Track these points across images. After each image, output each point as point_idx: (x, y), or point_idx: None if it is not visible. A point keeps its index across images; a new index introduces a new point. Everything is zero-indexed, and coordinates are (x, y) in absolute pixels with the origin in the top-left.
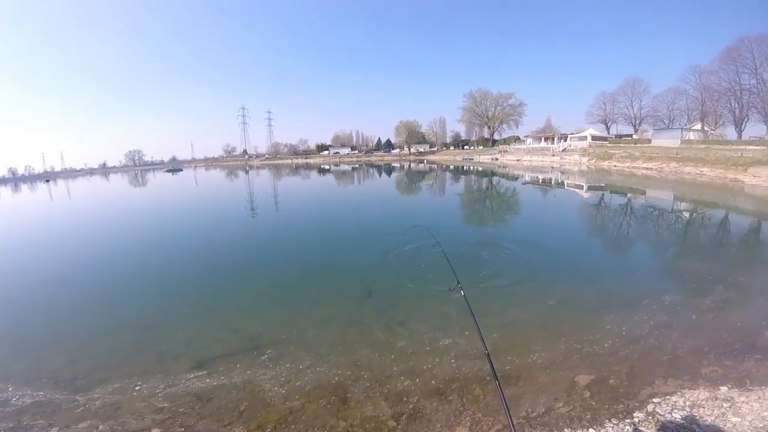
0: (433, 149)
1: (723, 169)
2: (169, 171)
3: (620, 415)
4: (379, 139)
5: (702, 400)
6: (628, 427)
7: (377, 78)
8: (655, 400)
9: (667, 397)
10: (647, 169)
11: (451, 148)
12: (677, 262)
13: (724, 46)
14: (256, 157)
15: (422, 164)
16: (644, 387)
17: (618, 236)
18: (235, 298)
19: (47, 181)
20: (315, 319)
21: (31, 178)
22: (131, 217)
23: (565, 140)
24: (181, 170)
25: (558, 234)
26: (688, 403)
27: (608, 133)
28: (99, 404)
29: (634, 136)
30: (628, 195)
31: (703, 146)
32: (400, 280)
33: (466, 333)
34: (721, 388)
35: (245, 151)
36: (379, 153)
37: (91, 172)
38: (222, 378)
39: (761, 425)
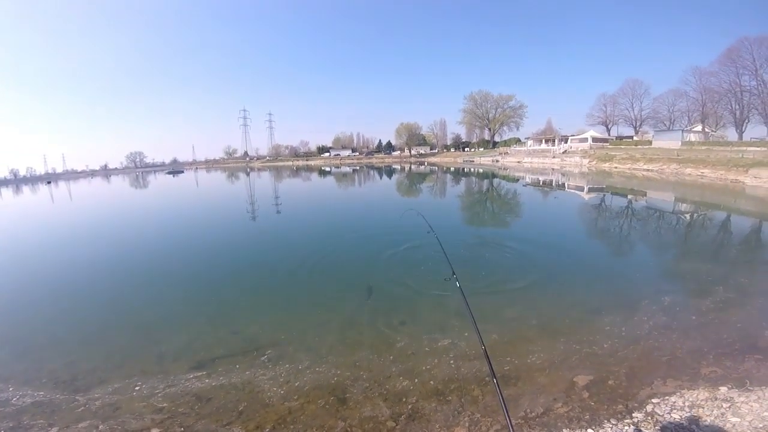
0: (433, 151)
1: (724, 170)
2: (170, 173)
3: (619, 416)
4: (380, 141)
5: (701, 400)
6: (627, 428)
7: (378, 80)
8: (654, 400)
9: (667, 397)
10: (648, 170)
11: (452, 150)
12: (677, 264)
13: (724, 47)
14: (257, 159)
15: (423, 166)
16: (643, 387)
17: (618, 237)
18: (235, 299)
19: (49, 182)
20: (314, 320)
21: (33, 180)
22: (132, 218)
23: (566, 142)
24: (182, 172)
25: (558, 235)
26: (687, 404)
27: (609, 134)
28: (99, 404)
29: (635, 138)
30: (629, 197)
31: (703, 148)
32: (400, 281)
33: (465, 334)
34: (720, 388)
35: (246, 153)
36: (380, 155)
37: (92, 173)
38: (221, 378)
39: (761, 425)
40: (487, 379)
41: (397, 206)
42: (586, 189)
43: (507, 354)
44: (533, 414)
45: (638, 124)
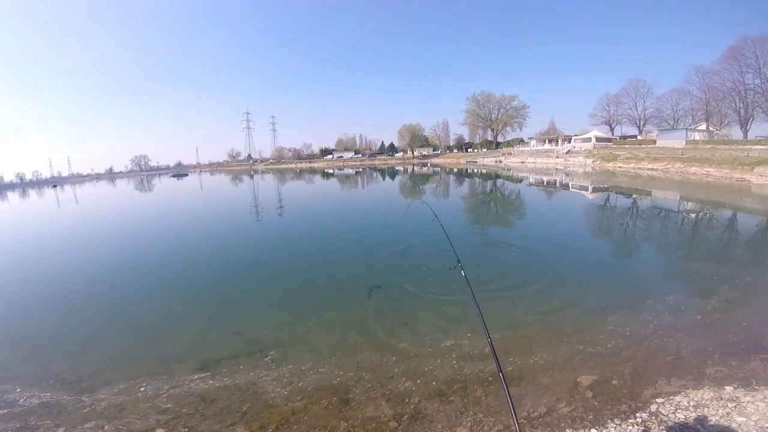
0: (436, 152)
1: (729, 169)
2: (174, 176)
3: (623, 416)
4: (383, 142)
5: (706, 400)
6: (630, 428)
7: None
8: (658, 400)
9: (671, 397)
10: (652, 169)
11: (455, 151)
12: (682, 263)
13: (726, 47)
14: (261, 161)
15: (426, 167)
16: (648, 387)
17: (622, 237)
18: (238, 301)
19: (54, 186)
20: (318, 322)
21: (39, 184)
22: (136, 220)
23: (569, 142)
24: (187, 175)
25: (563, 235)
26: (692, 404)
27: (612, 134)
28: (104, 405)
29: (639, 137)
30: (634, 196)
31: (708, 146)
32: (403, 283)
33: (469, 335)
34: (726, 388)
35: (250, 156)
36: (383, 156)
37: (97, 177)
38: (225, 379)
39: (767, 425)
40: (490, 379)
41: (400, 207)
42: (590, 189)
43: (510, 354)
44: (536, 414)
45: (642, 123)
